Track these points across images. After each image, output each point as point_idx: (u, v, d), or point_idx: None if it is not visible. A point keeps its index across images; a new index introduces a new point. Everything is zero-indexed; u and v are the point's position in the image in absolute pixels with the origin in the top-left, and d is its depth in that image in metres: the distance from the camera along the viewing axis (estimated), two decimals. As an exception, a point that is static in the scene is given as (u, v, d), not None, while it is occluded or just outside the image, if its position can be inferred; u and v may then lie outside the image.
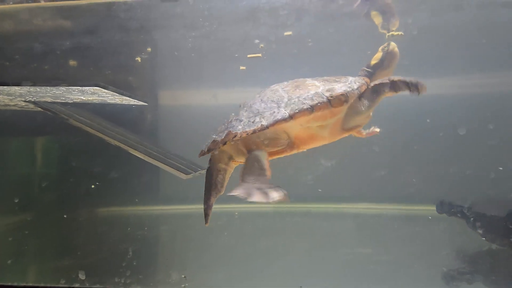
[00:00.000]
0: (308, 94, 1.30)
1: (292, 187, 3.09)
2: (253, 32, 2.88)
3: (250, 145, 1.37)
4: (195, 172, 2.02)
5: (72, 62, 2.89)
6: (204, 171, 1.53)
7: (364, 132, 1.63)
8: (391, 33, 2.56)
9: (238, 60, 3.00)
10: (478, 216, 2.62)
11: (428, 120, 2.85)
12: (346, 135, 1.47)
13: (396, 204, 3.14)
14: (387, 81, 1.36)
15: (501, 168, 2.69)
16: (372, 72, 1.48)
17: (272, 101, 1.33)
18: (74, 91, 2.43)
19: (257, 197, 1.18)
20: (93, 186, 2.19)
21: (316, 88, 1.32)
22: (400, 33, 2.57)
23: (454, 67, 2.92)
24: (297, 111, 1.26)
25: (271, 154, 1.40)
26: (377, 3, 2.44)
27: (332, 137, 1.43)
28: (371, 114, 1.47)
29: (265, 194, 1.19)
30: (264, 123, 1.27)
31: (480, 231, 2.61)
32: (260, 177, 1.27)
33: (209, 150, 1.42)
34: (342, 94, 1.28)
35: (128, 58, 3.00)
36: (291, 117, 1.26)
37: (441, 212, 2.84)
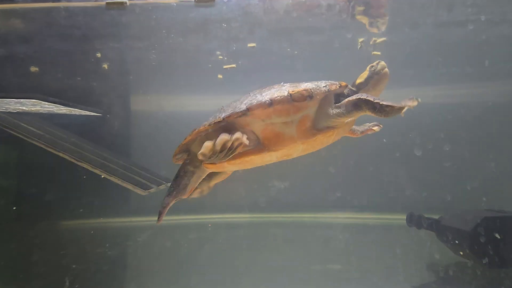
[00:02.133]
0: (272, 91, 1.32)
1: (267, 197, 3.09)
2: (204, 46, 2.85)
3: None
4: (158, 186, 1.90)
5: (5, 71, 2.63)
6: (169, 184, 1.47)
7: (359, 132, 1.59)
8: (374, 39, 2.63)
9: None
10: (446, 229, 2.70)
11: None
12: (320, 136, 1.36)
13: (370, 213, 3.26)
14: (374, 101, 1.23)
15: (468, 188, 2.92)
16: (356, 92, 1.39)
17: (239, 101, 1.35)
18: (11, 102, 2.21)
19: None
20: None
21: (281, 87, 1.34)
22: (383, 39, 2.66)
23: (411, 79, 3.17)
24: (254, 103, 1.28)
25: (242, 155, 1.34)
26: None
27: (303, 137, 1.35)
28: (348, 120, 1.37)
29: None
30: (222, 115, 1.30)
31: (448, 244, 2.70)
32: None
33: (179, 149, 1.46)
34: (305, 90, 1.28)
35: (69, 68, 2.80)
36: (248, 109, 1.27)
37: (411, 224, 2.92)
